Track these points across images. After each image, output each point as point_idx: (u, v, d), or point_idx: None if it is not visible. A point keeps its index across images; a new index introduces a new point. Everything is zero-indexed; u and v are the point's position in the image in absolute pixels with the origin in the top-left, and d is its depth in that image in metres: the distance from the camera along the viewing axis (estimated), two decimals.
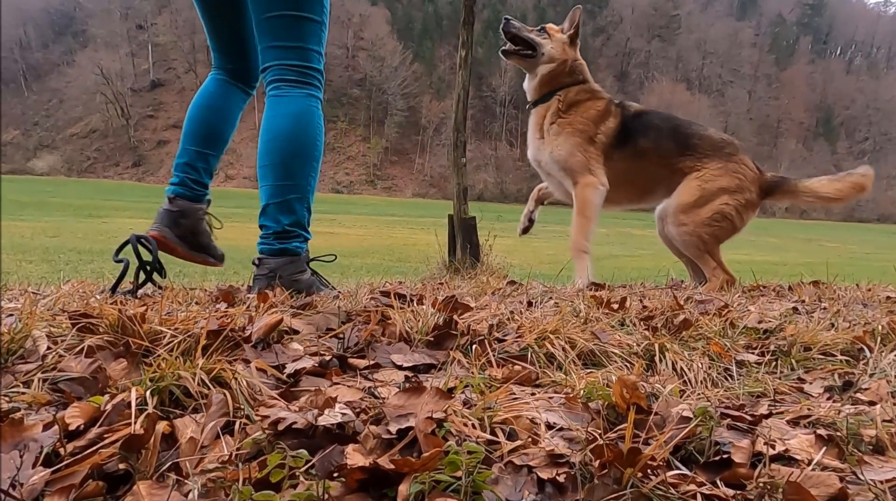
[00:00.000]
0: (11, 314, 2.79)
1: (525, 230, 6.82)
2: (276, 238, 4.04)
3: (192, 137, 4.52)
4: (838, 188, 5.78)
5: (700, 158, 5.75)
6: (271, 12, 3.87)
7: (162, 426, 1.77)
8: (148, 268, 4.32)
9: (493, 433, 1.87)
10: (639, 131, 5.91)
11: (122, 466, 1.63)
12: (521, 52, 6.13)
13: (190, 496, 1.52)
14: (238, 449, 1.74)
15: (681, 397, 2.28)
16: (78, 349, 2.35)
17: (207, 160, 4.57)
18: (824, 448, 1.89)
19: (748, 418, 2.04)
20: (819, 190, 5.84)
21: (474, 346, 2.76)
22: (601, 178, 5.72)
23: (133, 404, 1.83)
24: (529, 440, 1.85)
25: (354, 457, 1.66)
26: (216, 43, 4.46)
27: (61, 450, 1.66)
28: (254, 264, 4.10)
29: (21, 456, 1.61)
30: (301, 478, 1.60)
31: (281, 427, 1.78)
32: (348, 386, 2.24)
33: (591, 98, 5.99)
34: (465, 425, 1.86)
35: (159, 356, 2.23)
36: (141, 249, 4.34)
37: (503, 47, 6.25)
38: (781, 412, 2.18)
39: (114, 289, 4.21)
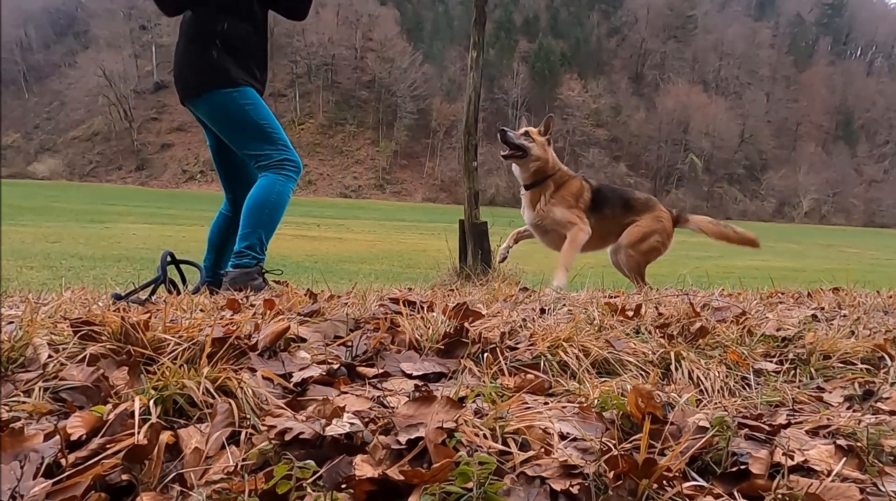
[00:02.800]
0: (12, 322, 2.80)
1: (502, 260, 9.07)
2: (235, 257, 5.92)
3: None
4: (716, 231, 8.39)
5: (637, 213, 8.28)
6: (242, 150, 6.17)
7: (166, 437, 1.77)
8: (172, 284, 5.29)
9: (504, 443, 1.87)
10: (601, 201, 8.24)
11: (124, 477, 1.64)
12: (515, 155, 8.17)
13: None
14: (244, 460, 1.74)
15: (697, 406, 2.27)
16: (80, 357, 2.35)
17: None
18: (844, 459, 1.89)
19: (766, 428, 2.03)
20: (700, 224, 8.45)
21: (486, 354, 2.76)
22: (587, 227, 7.99)
23: (136, 413, 1.83)
24: (542, 450, 1.85)
25: (363, 468, 1.66)
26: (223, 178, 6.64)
27: (63, 461, 1.66)
28: (222, 274, 6.09)
29: (22, 467, 1.61)
30: (308, 490, 1.60)
31: (288, 438, 1.79)
32: (357, 395, 2.24)
33: (570, 180, 8.27)
34: (477, 435, 1.86)
35: (163, 364, 2.23)
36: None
37: (503, 152, 8.29)
38: (800, 422, 2.18)
39: (127, 296, 4.33)
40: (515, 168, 8.36)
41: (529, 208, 8.30)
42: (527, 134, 8.21)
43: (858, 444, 1.98)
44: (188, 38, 6.03)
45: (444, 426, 1.83)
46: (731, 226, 8.60)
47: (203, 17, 5.92)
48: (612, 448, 1.78)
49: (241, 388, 2.07)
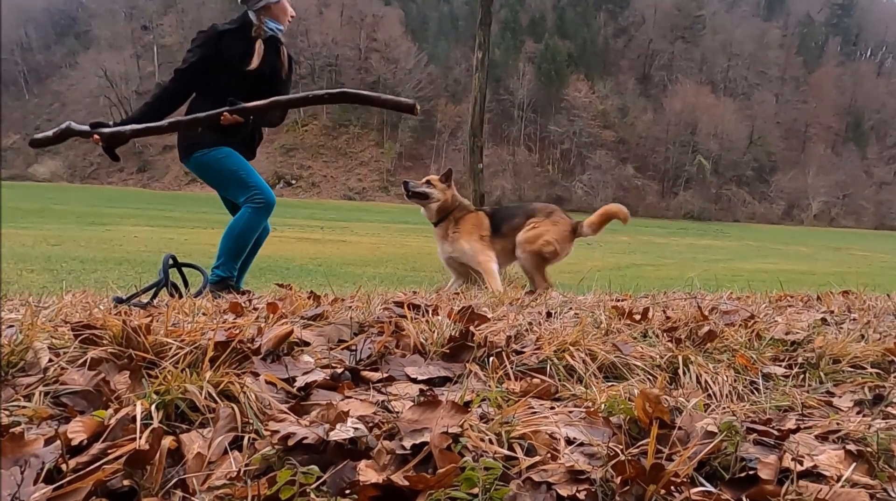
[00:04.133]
0: (12, 326, 2.81)
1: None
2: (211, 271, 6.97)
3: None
4: (591, 222, 9.09)
5: (537, 219, 9.07)
6: (226, 194, 7.70)
7: (168, 442, 1.78)
8: (174, 287, 5.42)
9: (510, 448, 1.87)
10: (500, 222, 9.21)
11: (126, 482, 1.64)
12: (420, 199, 9.25)
13: None
14: (247, 465, 1.74)
15: (705, 411, 2.28)
16: (81, 361, 2.36)
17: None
18: (854, 464, 1.88)
19: (775, 433, 2.03)
20: (584, 225, 9.10)
21: (491, 358, 2.76)
22: (491, 255, 8.97)
23: (138, 418, 1.83)
24: (548, 455, 1.85)
25: (367, 473, 1.66)
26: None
27: (63, 466, 1.66)
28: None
29: (22, 473, 1.62)
30: (312, 495, 1.60)
31: (291, 443, 1.79)
32: (361, 400, 2.24)
33: (468, 213, 9.24)
34: (482, 440, 1.86)
35: (165, 368, 2.24)
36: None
37: (406, 198, 9.49)
38: (810, 427, 2.18)
39: (128, 299, 4.33)
40: (422, 210, 9.54)
41: (440, 242, 9.41)
42: (428, 182, 9.41)
43: (868, 449, 1.98)
44: (186, 114, 7.24)
45: (450, 431, 1.83)
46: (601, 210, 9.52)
47: (196, 102, 7.39)
48: (620, 453, 1.78)
49: (244, 392, 2.07)
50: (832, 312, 4.87)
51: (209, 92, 7.26)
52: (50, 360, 2.37)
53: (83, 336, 2.56)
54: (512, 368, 2.69)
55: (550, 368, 2.73)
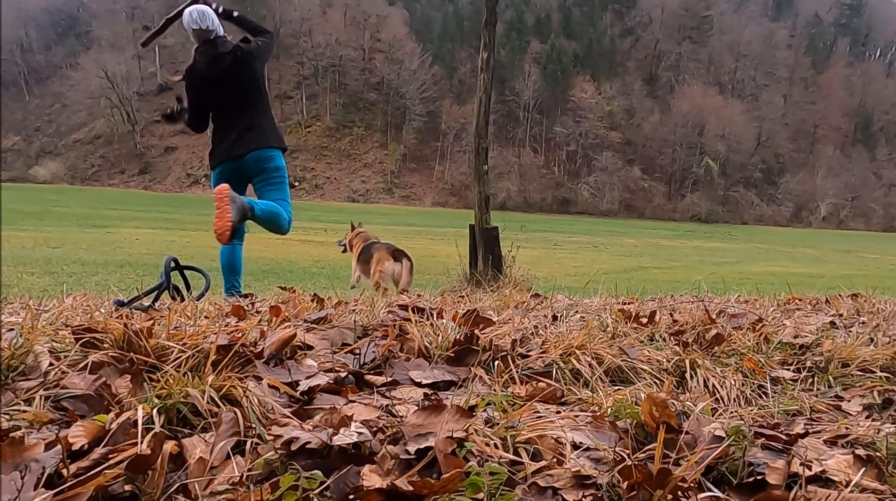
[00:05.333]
0: (12, 329, 2.81)
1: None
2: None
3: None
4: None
5: (376, 249, 11.47)
6: None
7: (169, 446, 1.78)
8: (176, 290, 5.33)
9: (516, 453, 1.87)
10: (370, 249, 11.56)
11: (127, 488, 1.64)
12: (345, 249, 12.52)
13: None
14: (249, 470, 1.74)
15: (713, 415, 2.27)
16: (82, 365, 2.36)
17: None
18: (863, 469, 1.88)
19: (783, 437, 2.03)
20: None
21: (497, 362, 2.76)
22: (356, 273, 11.89)
23: (139, 422, 1.83)
24: (554, 460, 1.85)
25: (371, 479, 1.66)
26: None
27: (64, 471, 1.66)
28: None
29: (22, 478, 1.62)
30: (315, 500, 1.60)
31: (294, 447, 1.79)
32: (365, 404, 2.24)
33: (360, 242, 11.86)
34: (487, 445, 1.86)
35: (166, 372, 2.24)
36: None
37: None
38: (818, 432, 2.18)
39: (130, 303, 4.31)
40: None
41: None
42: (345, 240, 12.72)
43: (878, 454, 1.98)
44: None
45: (455, 435, 1.83)
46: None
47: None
48: (626, 457, 1.78)
49: (247, 396, 2.07)
50: (841, 315, 4.87)
51: None
52: (50, 364, 2.37)
53: (84, 340, 2.56)
54: (517, 372, 2.69)
55: (556, 372, 2.73)
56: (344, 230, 12.85)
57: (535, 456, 1.87)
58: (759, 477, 1.82)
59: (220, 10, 7.90)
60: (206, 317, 3.65)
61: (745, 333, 3.52)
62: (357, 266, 11.94)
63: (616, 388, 2.63)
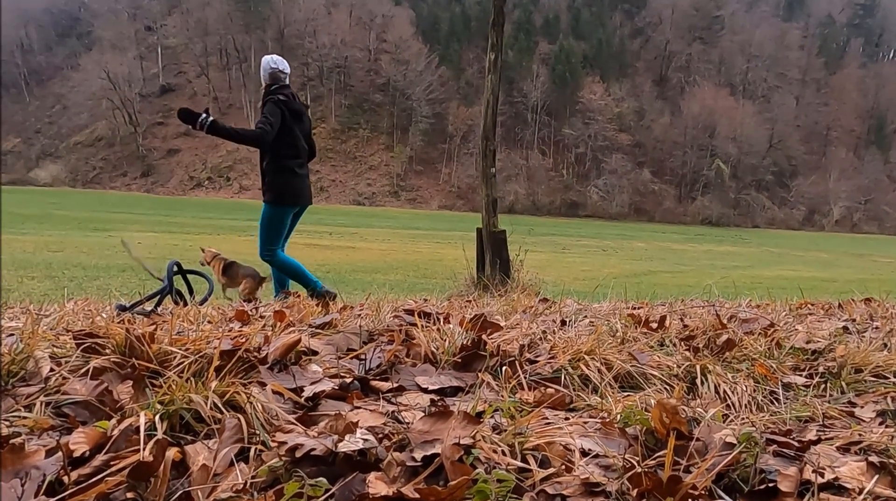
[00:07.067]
0: (13, 334, 2.81)
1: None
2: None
3: None
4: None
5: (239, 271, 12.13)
6: None
7: (172, 453, 1.78)
8: (179, 294, 5.39)
9: (524, 460, 1.87)
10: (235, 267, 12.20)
11: (129, 495, 1.64)
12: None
13: None
14: (253, 477, 1.74)
15: (724, 421, 2.27)
16: (83, 370, 2.36)
17: None
18: (876, 476, 1.88)
19: (795, 444, 2.03)
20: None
21: (504, 368, 2.76)
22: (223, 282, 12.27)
23: (142, 429, 1.84)
24: (563, 467, 1.85)
25: (377, 486, 1.66)
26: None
27: (65, 478, 1.66)
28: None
29: (22, 485, 1.62)
30: None
31: (299, 454, 1.79)
32: (370, 410, 2.24)
33: (217, 263, 12.26)
34: (495, 451, 1.86)
35: (169, 378, 2.24)
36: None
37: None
38: (831, 438, 2.17)
39: (132, 307, 4.33)
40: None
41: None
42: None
43: (891, 461, 1.98)
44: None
45: (462, 442, 1.83)
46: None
47: None
48: (636, 464, 1.78)
49: (251, 402, 2.07)
50: (854, 320, 4.87)
51: None
52: (51, 369, 2.37)
53: (85, 345, 2.56)
54: (525, 377, 2.69)
55: (565, 377, 2.73)
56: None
57: (544, 463, 1.87)
58: (770, 485, 1.82)
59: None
60: (209, 322, 3.65)
61: (756, 338, 3.51)
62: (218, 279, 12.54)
63: (625, 394, 2.63)
